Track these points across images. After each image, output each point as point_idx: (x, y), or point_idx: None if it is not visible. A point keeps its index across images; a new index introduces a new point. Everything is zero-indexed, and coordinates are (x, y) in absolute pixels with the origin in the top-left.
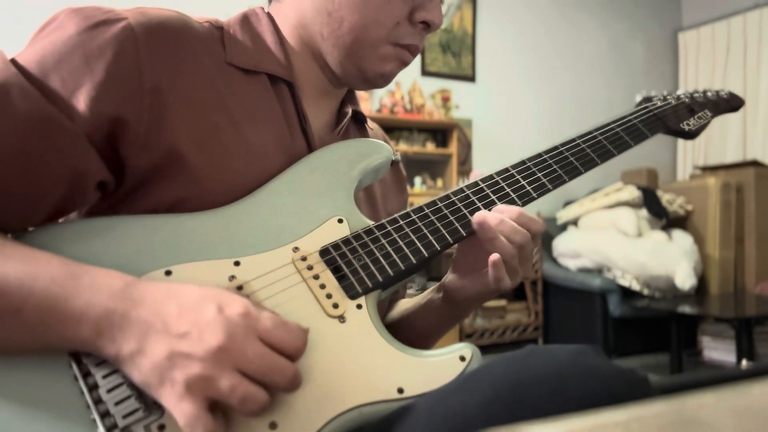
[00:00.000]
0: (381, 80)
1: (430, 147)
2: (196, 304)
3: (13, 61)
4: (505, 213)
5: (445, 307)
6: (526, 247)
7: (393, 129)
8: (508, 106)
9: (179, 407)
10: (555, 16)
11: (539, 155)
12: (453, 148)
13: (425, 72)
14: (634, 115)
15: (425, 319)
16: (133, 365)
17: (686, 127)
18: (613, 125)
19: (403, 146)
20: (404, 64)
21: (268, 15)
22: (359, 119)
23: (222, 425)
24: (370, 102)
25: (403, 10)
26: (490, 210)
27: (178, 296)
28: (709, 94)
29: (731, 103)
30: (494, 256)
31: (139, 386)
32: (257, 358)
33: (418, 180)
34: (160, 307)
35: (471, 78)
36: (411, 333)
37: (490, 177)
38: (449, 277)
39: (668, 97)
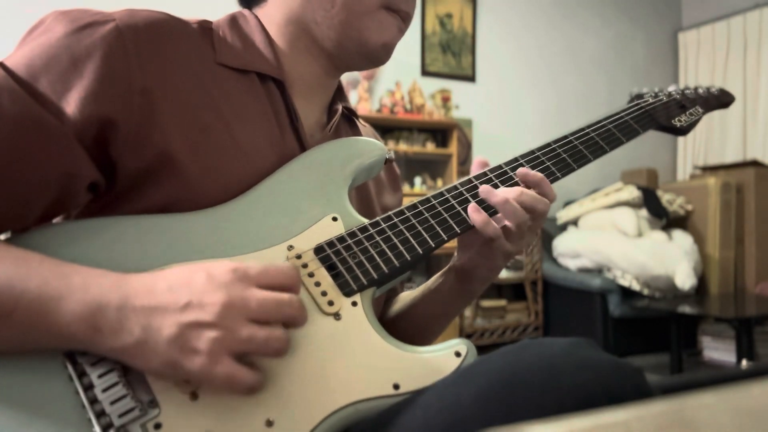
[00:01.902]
0: (383, 51)
1: (430, 147)
2: (185, 277)
3: (2, 65)
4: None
5: (458, 285)
6: (540, 212)
7: (393, 129)
8: (508, 106)
9: (212, 373)
10: (555, 16)
11: (532, 152)
12: (453, 148)
13: (425, 72)
14: (626, 112)
15: (438, 301)
16: (146, 352)
17: (677, 123)
18: (605, 122)
19: (403, 146)
20: (401, 31)
21: (255, 16)
22: (349, 116)
23: (260, 374)
24: (370, 102)
25: None
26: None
27: (165, 277)
28: (699, 90)
29: (722, 99)
30: (472, 206)
31: (159, 372)
32: (263, 302)
33: (418, 180)
34: (153, 290)
35: (471, 78)
36: (421, 320)
37: (484, 174)
38: (458, 255)
39: (659, 93)
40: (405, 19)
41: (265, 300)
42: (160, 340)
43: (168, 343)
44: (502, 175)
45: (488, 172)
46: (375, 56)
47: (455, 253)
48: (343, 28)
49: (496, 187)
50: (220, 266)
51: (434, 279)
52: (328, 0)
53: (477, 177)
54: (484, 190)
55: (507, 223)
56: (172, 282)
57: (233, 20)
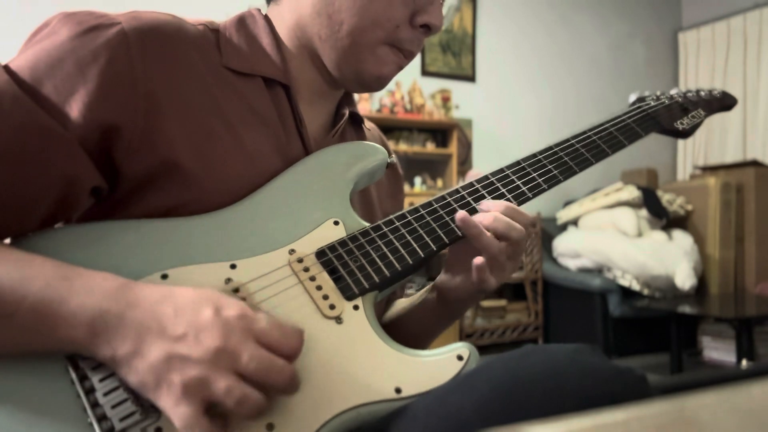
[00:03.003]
0: (377, 83)
1: (430, 147)
2: (193, 306)
3: (5, 68)
4: (492, 208)
5: (440, 307)
6: (514, 240)
7: (393, 129)
8: (508, 106)
9: (176, 410)
10: (555, 17)
11: (534, 155)
12: (453, 148)
13: (425, 72)
14: (628, 115)
15: (421, 319)
16: (129, 367)
17: (680, 126)
18: (607, 125)
19: (403, 146)
20: (400, 67)
21: (265, 17)
22: (356, 120)
23: (220, 427)
24: (369, 102)
25: (404, 14)
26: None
27: (174, 298)
28: (702, 93)
29: (724, 102)
30: (478, 260)
31: (135, 388)
32: (254, 360)
33: (418, 180)
34: (156, 309)
35: (471, 78)
36: (406, 333)
37: (485, 177)
38: (442, 277)
39: (661, 96)
40: (407, 57)
41: (258, 359)
42: (144, 360)
43: (150, 366)
44: (504, 179)
45: (490, 176)
46: (368, 85)
47: (441, 272)
48: (344, 53)
49: (502, 196)
50: (231, 307)
51: (420, 294)
52: (336, 22)
53: (479, 180)
54: (460, 217)
55: (484, 256)
56: (179, 307)
57: (241, 21)
